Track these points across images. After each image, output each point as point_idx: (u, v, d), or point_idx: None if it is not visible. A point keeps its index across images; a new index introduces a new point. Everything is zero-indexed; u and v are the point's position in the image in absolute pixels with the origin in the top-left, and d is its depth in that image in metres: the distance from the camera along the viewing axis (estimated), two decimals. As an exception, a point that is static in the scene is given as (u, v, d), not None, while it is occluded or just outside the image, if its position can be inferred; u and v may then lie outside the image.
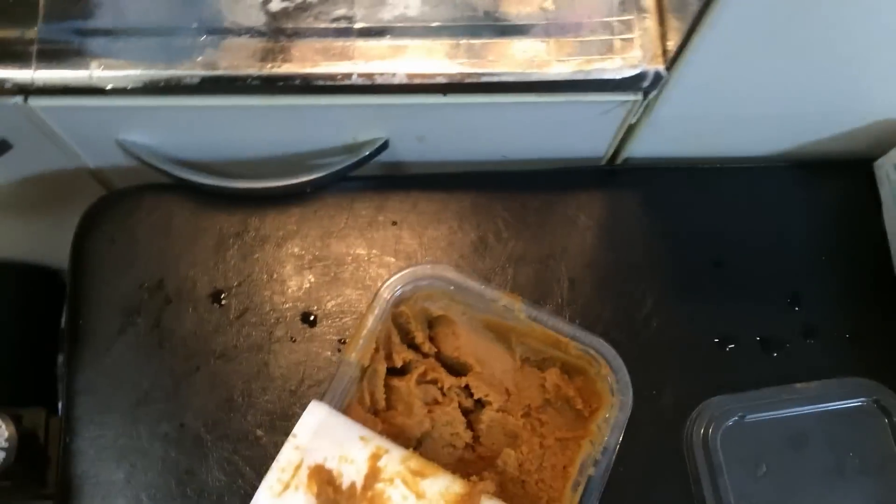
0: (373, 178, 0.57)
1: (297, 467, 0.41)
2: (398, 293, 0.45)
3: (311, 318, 0.54)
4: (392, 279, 0.45)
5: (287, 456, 0.41)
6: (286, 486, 0.41)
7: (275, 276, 0.55)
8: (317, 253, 0.55)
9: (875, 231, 0.56)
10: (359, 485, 0.40)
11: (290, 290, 0.54)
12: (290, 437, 0.42)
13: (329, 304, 0.54)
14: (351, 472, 0.40)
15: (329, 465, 0.40)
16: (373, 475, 0.40)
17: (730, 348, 0.54)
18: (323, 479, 0.40)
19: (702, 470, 0.50)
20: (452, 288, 0.45)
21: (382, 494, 0.39)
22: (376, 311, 0.44)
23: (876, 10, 0.40)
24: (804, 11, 0.40)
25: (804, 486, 0.51)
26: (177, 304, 0.54)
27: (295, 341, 0.53)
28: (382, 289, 0.45)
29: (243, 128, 0.52)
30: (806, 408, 0.52)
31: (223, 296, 0.54)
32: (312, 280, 0.55)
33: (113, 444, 0.51)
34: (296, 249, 0.55)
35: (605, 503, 0.49)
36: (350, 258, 0.55)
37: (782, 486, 0.51)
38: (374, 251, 0.55)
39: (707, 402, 0.52)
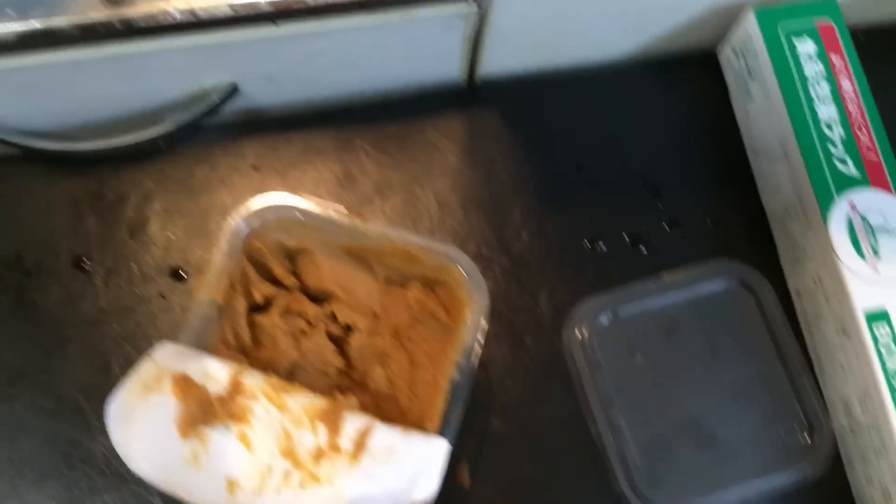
0: (230, 126, 0.56)
1: (159, 376, 0.40)
2: (244, 227, 0.45)
3: (181, 272, 0.53)
4: (237, 213, 0.45)
5: (147, 367, 0.41)
6: (150, 390, 0.40)
7: (137, 235, 0.54)
8: (179, 207, 0.54)
9: (726, 118, 0.58)
10: (223, 395, 0.40)
11: (155, 248, 0.53)
12: (146, 357, 0.41)
13: (197, 257, 0.53)
14: (215, 388, 0.40)
15: (193, 377, 0.40)
16: (235, 390, 0.40)
17: (599, 248, 0.55)
18: (189, 385, 0.39)
19: (581, 369, 0.51)
20: (302, 217, 0.45)
21: (246, 407, 0.39)
22: (224, 247, 0.44)
23: None
24: None
25: (680, 371, 0.52)
26: (37, 276, 0.52)
27: (165, 297, 0.52)
28: (228, 223, 0.44)
29: (79, 86, 0.51)
30: (675, 295, 0.53)
31: (85, 261, 0.53)
32: (178, 234, 0.54)
33: (-10, 424, 0.50)
34: (157, 206, 0.54)
35: (496, 415, 0.51)
36: (214, 208, 0.55)
37: (659, 372, 0.52)
38: (238, 198, 0.55)
39: (581, 303, 0.53)
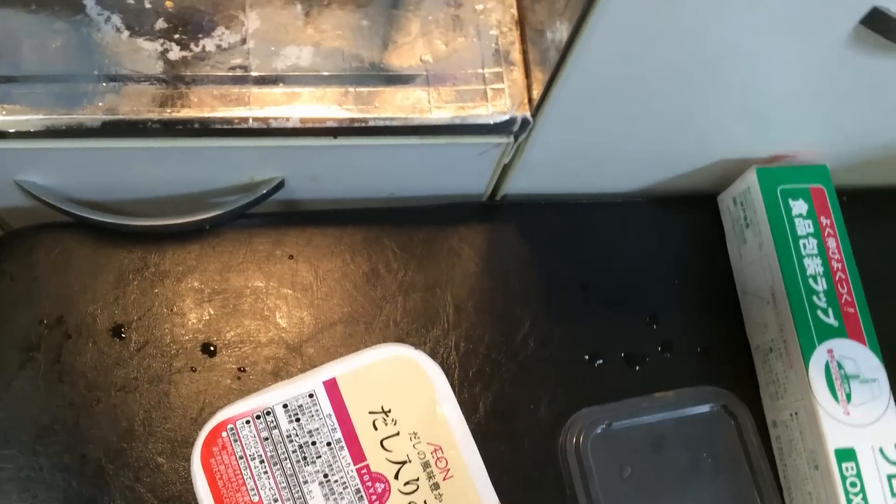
0: (270, 215, 0.61)
1: None
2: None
3: (211, 348, 0.56)
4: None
5: None
6: None
7: (175, 309, 0.57)
8: (216, 286, 0.58)
9: (721, 256, 0.64)
10: None
11: (189, 323, 0.57)
12: None
13: (229, 335, 0.57)
14: None
15: None
16: None
17: (598, 363, 0.60)
18: None
19: (574, 475, 0.55)
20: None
21: None
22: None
23: (712, 68, 0.47)
24: (645, 70, 0.47)
25: (664, 485, 0.57)
26: (76, 340, 0.55)
27: (195, 371, 0.56)
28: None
29: (143, 168, 0.55)
30: (664, 414, 0.58)
31: (123, 330, 0.56)
32: (212, 312, 0.57)
33: (16, 475, 0.52)
34: (195, 283, 0.58)
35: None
36: (249, 290, 0.58)
37: (645, 485, 0.57)
38: (271, 283, 0.59)
39: (578, 413, 0.57)
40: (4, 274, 0.56)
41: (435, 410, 0.47)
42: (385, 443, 0.46)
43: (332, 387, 0.47)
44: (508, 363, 0.59)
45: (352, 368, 0.47)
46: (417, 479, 0.45)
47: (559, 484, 0.56)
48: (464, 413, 0.50)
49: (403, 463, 0.46)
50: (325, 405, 0.46)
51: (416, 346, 0.56)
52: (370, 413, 0.46)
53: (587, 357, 0.60)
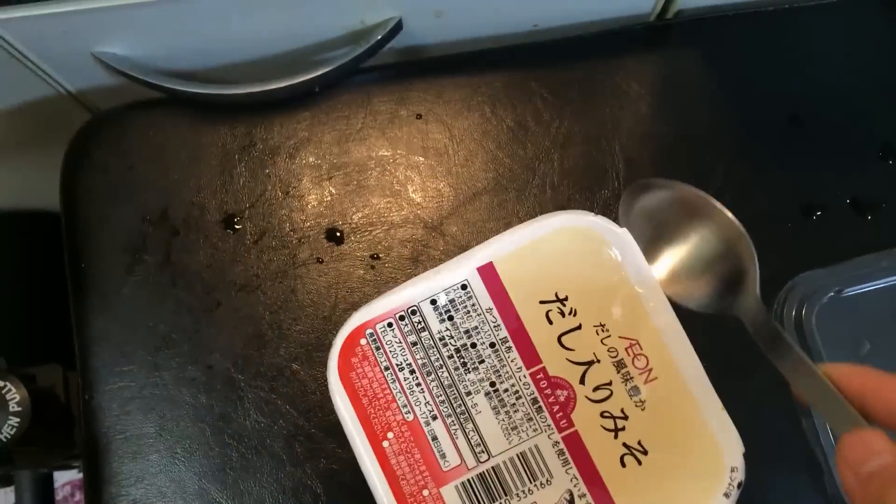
0: (389, 67, 0.50)
1: None
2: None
3: (338, 234, 0.48)
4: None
5: None
6: None
7: (291, 191, 0.48)
8: (335, 160, 0.49)
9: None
10: None
11: (309, 206, 0.48)
12: None
13: (356, 217, 0.48)
14: None
15: None
16: None
17: (817, 216, 0.47)
18: None
19: (796, 356, 0.44)
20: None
21: None
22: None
23: None
24: None
25: (917, 362, 0.44)
26: (185, 235, 0.48)
27: (322, 262, 0.47)
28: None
29: (233, 22, 0.45)
30: (912, 273, 0.45)
31: (236, 220, 0.48)
32: (333, 192, 0.48)
33: (138, 394, 0.46)
34: (311, 159, 0.49)
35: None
36: (373, 162, 0.49)
37: (891, 364, 0.44)
38: (399, 151, 0.49)
39: (796, 280, 0.46)
40: (96, 166, 0.48)
41: (626, 294, 0.36)
42: (564, 339, 0.36)
43: (488, 273, 0.36)
44: (699, 224, 0.47)
45: (511, 248, 0.36)
46: (610, 384, 0.35)
47: (776, 369, 0.45)
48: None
49: (590, 363, 0.35)
50: (484, 297, 0.36)
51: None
52: (541, 303, 0.36)
53: (802, 208, 0.47)
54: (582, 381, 0.35)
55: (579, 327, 0.36)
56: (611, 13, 0.50)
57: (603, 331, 0.36)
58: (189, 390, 0.46)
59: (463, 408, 0.36)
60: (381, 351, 0.36)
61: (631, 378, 0.35)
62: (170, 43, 0.47)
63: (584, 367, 0.36)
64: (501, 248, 0.37)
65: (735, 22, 0.50)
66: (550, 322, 0.36)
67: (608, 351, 0.36)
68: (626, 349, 0.36)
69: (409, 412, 0.35)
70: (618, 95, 0.49)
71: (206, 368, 0.46)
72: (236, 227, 0.48)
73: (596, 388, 0.35)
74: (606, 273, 0.36)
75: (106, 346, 0.46)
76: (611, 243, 0.36)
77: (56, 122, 0.52)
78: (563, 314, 0.36)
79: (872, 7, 0.50)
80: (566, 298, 0.36)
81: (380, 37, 0.47)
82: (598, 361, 0.36)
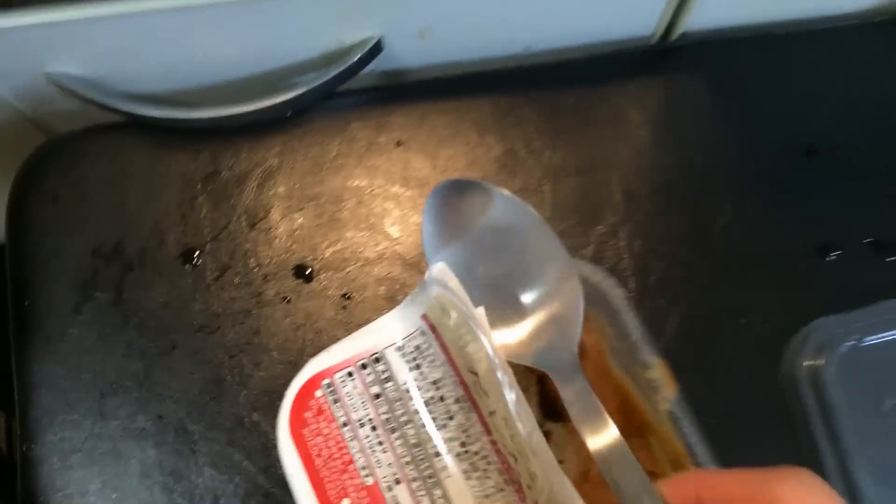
0: (368, 91, 0.47)
1: None
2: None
3: (307, 271, 0.43)
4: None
5: None
6: None
7: (257, 223, 0.44)
8: (307, 191, 0.45)
9: None
10: None
11: (277, 240, 0.44)
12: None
13: (327, 252, 0.44)
14: None
15: None
16: None
17: (833, 256, 0.43)
18: None
19: (811, 409, 0.40)
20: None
21: None
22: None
23: None
24: None
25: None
26: (140, 271, 0.43)
27: (289, 301, 0.43)
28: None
29: (198, 40, 0.42)
30: (942, 321, 0.41)
31: (196, 254, 0.44)
32: (304, 224, 0.44)
33: (81, 447, 0.41)
34: (280, 189, 0.45)
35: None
36: (348, 193, 0.45)
37: (919, 423, 0.40)
38: (376, 181, 0.45)
39: (811, 327, 0.42)
40: (46, 196, 0.45)
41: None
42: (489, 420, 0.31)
43: (430, 324, 0.32)
44: (703, 264, 0.43)
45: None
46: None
47: (787, 426, 0.41)
48: (647, 334, 0.35)
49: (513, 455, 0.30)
50: (438, 347, 0.31)
51: (576, 249, 0.41)
52: (471, 372, 0.31)
53: (817, 248, 0.44)
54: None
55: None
56: (610, 35, 0.46)
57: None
58: (137, 443, 0.41)
59: (431, 470, 0.31)
60: (339, 404, 0.31)
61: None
62: (128, 63, 0.43)
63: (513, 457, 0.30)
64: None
65: (744, 45, 0.47)
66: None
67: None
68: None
69: (368, 475, 0.31)
70: (616, 123, 0.46)
71: (156, 418, 0.42)
72: (196, 262, 0.44)
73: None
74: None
75: (49, 392, 0.42)
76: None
77: (12, 146, 0.49)
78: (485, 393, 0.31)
79: (891, 31, 0.46)
80: (478, 374, 0.31)
81: (357, 58, 0.43)
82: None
